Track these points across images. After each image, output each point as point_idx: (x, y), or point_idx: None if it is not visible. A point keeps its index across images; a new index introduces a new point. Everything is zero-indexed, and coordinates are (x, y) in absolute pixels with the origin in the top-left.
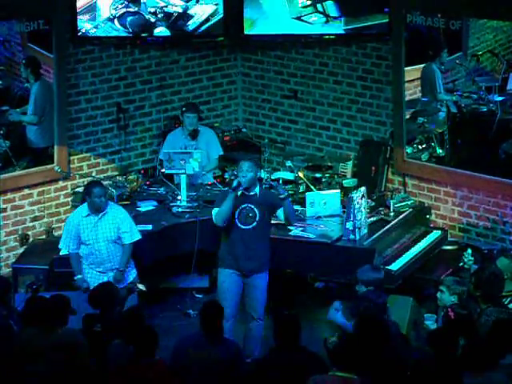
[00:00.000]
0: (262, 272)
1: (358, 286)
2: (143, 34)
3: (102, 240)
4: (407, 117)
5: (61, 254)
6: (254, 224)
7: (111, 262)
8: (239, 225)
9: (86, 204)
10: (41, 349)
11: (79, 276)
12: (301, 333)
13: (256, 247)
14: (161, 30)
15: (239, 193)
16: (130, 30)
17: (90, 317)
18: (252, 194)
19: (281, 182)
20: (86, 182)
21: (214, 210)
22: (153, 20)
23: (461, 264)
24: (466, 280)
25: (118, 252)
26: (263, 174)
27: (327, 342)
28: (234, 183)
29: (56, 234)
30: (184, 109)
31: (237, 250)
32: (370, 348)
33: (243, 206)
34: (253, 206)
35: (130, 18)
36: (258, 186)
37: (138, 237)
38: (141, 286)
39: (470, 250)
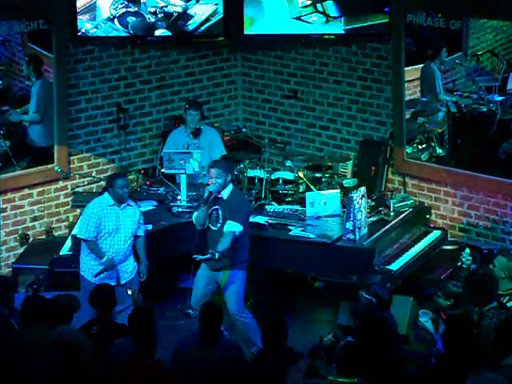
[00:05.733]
0: (229, 270)
1: (363, 292)
2: (145, 35)
3: (122, 231)
4: (407, 117)
5: (61, 253)
6: (219, 226)
7: (126, 254)
8: (210, 226)
9: (107, 194)
10: (43, 348)
11: (106, 257)
12: (287, 334)
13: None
14: (162, 31)
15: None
16: (132, 32)
17: (89, 322)
18: (220, 196)
19: (281, 181)
20: (86, 182)
21: (194, 214)
22: (153, 20)
23: (459, 264)
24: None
25: (131, 247)
26: (263, 174)
27: (323, 340)
28: (206, 194)
29: (56, 234)
30: (187, 106)
31: (207, 248)
32: (372, 350)
33: (213, 207)
34: (219, 208)
35: (131, 21)
36: (230, 189)
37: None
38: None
39: (468, 250)
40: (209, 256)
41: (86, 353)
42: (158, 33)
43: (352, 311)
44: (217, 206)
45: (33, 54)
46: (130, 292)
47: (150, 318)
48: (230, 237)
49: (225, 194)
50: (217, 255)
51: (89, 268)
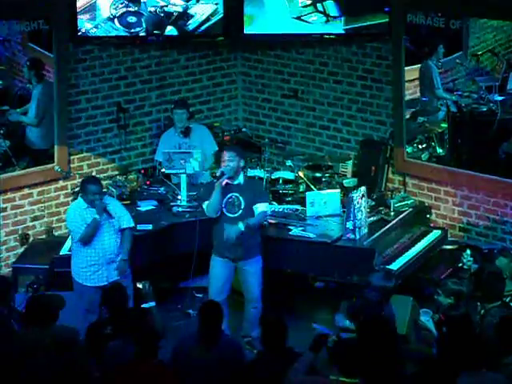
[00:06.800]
0: (252, 257)
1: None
2: (156, 32)
3: (105, 231)
4: (407, 117)
5: (61, 253)
6: (240, 212)
7: (113, 253)
8: (227, 213)
9: (80, 199)
10: (39, 347)
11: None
12: (287, 334)
13: (244, 234)
14: (168, 30)
15: (223, 182)
16: (144, 27)
17: (97, 322)
18: (236, 183)
19: (281, 181)
20: None
21: (205, 204)
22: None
23: (460, 265)
24: (465, 280)
25: (119, 244)
26: (263, 174)
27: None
28: (218, 173)
29: (56, 233)
30: (172, 106)
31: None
32: (373, 350)
33: (229, 195)
34: (238, 195)
35: (145, 15)
36: (242, 175)
37: (133, 224)
38: (139, 285)
39: (468, 251)
40: (241, 227)
41: (82, 351)
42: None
43: (349, 311)
44: (235, 194)
45: (34, 57)
46: (140, 285)
47: (149, 318)
48: (262, 216)
49: (241, 179)
50: (244, 226)
51: (78, 272)
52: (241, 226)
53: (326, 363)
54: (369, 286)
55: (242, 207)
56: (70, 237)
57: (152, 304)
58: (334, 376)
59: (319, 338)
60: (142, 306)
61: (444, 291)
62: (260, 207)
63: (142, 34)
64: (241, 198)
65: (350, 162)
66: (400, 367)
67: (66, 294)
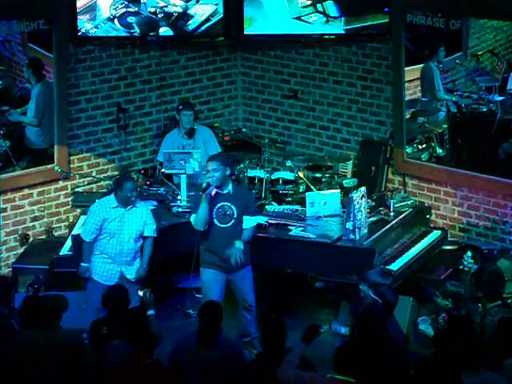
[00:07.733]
0: (244, 266)
1: (362, 285)
2: (151, 33)
3: (126, 232)
4: (407, 117)
5: (61, 253)
6: (233, 221)
7: (128, 256)
8: (217, 224)
9: (113, 196)
10: (41, 349)
11: (86, 264)
12: (286, 335)
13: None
14: (162, 30)
15: (213, 193)
16: (137, 30)
17: (98, 321)
18: (226, 192)
19: (281, 181)
20: (86, 182)
21: (192, 216)
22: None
23: (461, 267)
24: (466, 282)
25: (138, 248)
26: (263, 174)
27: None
28: (203, 185)
29: (56, 234)
30: (181, 107)
31: (217, 249)
32: (367, 349)
33: (219, 204)
34: (229, 204)
35: (136, 18)
36: (231, 183)
37: (156, 235)
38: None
39: (469, 253)
40: (240, 246)
41: (87, 353)
42: (161, 30)
43: (353, 312)
44: (227, 203)
45: (33, 57)
46: (141, 293)
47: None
48: (254, 229)
49: (230, 188)
50: (242, 244)
51: (101, 270)
52: (240, 245)
53: (325, 360)
54: (380, 284)
55: (235, 217)
56: (70, 237)
57: (151, 312)
58: (331, 374)
59: (311, 329)
60: None
61: (442, 293)
62: (253, 221)
63: (137, 35)
64: (233, 207)
65: (350, 163)
66: (400, 368)
67: (69, 294)
